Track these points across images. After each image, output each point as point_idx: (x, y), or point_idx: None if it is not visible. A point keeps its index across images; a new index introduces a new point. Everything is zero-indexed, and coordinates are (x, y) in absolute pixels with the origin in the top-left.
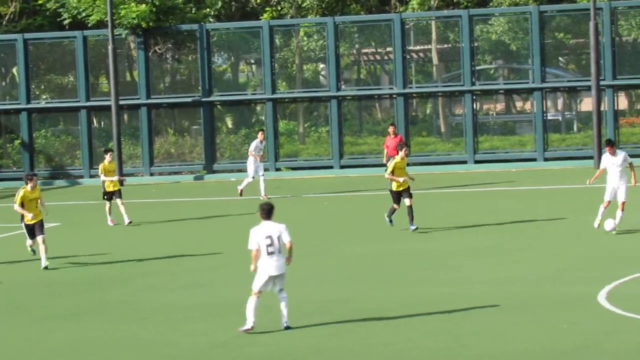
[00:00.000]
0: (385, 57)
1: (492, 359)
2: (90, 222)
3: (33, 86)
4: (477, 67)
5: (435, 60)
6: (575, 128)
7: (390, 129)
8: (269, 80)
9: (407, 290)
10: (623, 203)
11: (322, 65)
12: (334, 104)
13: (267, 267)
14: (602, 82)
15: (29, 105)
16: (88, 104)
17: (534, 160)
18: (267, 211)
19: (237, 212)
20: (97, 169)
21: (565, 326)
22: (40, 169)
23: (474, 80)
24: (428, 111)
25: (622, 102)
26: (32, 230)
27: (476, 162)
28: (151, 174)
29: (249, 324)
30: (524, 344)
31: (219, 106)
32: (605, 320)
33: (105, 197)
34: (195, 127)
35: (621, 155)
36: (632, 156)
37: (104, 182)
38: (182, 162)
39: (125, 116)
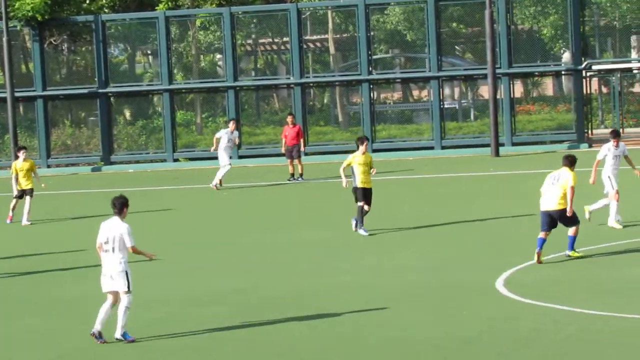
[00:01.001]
0: (283, 47)
1: (394, 345)
2: None
3: None
4: (374, 57)
5: (332, 50)
6: (472, 116)
7: (289, 119)
8: (165, 71)
9: (305, 280)
10: (617, 191)
11: (219, 56)
12: (231, 94)
13: (102, 264)
14: (498, 71)
15: None
16: None
17: (432, 148)
18: (116, 205)
19: (136, 204)
20: None
21: (466, 313)
22: None
23: (371, 69)
24: (325, 101)
25: (518, 90)
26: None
27: (374, 150)
28: (48, 166)
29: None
30: (424, 331)
31: (115, 97)
32: (503, 306)
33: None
34: (92, 119)
35: (622, 147)
36: (528, 144)
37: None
38: (80, 153)
39: (21, 108)
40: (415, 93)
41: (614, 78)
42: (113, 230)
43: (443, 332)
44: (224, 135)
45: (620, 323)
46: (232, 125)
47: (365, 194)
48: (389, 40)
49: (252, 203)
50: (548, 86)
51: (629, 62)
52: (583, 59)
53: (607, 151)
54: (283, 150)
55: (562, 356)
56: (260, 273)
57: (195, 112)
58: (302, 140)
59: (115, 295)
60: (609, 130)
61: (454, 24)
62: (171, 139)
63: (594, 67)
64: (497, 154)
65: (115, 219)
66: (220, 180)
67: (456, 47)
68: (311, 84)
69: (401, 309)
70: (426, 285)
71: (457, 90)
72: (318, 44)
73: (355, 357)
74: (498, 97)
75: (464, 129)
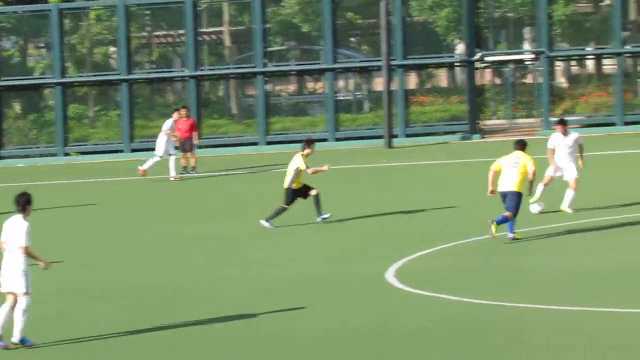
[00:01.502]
0: (177, 40)
1: (285, 337)
2: None
3: None
4: (269, 49)
5: (227, 42)
6: (366, 108)
7: (182, 112)
8: (58, 64)
9: (199, 273)
10: (576, 179)
11: (112, 49)
12: (124, 87)
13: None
14: (392, 62)
15: None
16: None
17: (325, 140)
18: (19, 203)
19: None
20: None
21: (358, 305)
22: None
23: (265, 61)
24: (220, 93)
25: (413, 82)
26: None
27: (268, 143)
28: None
29: None
30: (315, 323)
31: (5, 91)
32: (395, 297)
33: None
34: None
35: (572, 135)
36: (421, 135)
37: None
38: None
39: None
40: (310, 85)
41: (506, 69)
42: (13, 228)
43: (334, 324)
44: (173, 125)
45: (508, 312)
46: (176, 114)
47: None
48: (285, 32)
49: (146, 197)
50: (442, 78)
51: (522, 53)
52: (476, 50)
53: (555, 141)
54: (176, 143)
55: (455, 346)
56: (154, 268)
57: (88, 105)
58: (195, 134)
59: (15, 296)
60: (501, 122)
61: (350, 15)
62: (62, 133)
63: (487, 59)
64: (390, 145)
65: (18, 217)
66: (145, 170)
67: (351, 38)
68: (206, 77)
69: (292, 300)
70: (317, 277)
71: (351, 82)
72: (214, 36)
73: (247, 350)
74: (392, 88)
75: (358, 120)
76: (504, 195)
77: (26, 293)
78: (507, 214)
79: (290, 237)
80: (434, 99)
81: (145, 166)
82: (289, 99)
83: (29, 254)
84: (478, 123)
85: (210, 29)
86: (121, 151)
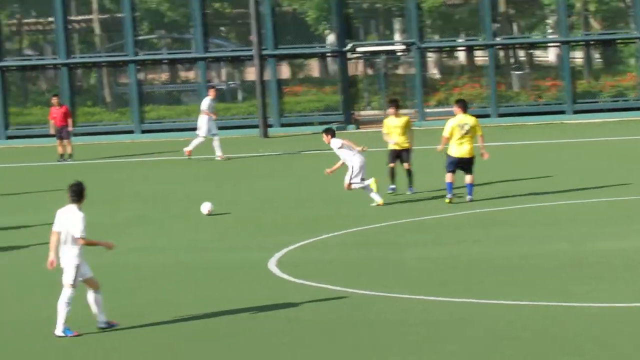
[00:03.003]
0: (48, 27)
1: (163, 326)
2: None
3: None
4: (140, 37)
5: (97, 30)
6: (240, 97)
7: (54, 100)
8: None
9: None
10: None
11: None
12: None
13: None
14: (264, 52)
15: None
16: None
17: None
18: (74, 193)
19: None
20: None
21: (236, 294)
22: None
23: (137, 50)
24: (93, 81)
25: (285, 72)
26: None
27: (143, 131)
28: None
29: None
30: (196, 311)
31: None
32: (276, 286)
33: None
34: None
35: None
36: (297, 125)
37: None
38: None
39: None
40: (183, 74)
41: (378, 60)
42: (68, 219)
43: (212, 314)
44: (211, 103)
45: (391, 303)
46: (212, 92)
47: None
48: (154, 21)
49: (24, 184)
50: (314, 68)
51: (393, 44)
52: (347, 41)
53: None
54: (52, 132)
55: (338, 336)
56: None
57: None
58: (70, 121)
59: (91, 281)
60: (375, 112)
61: (218, 5)
62: None
63: (359, 49)
64: (266, 135)
65: (72, 207)
66: (190, 152)
67: (221, 28)
68: (78, 65)
69: (169, 288)
70: (190, 267)
71: (224, 71)
72: (83, 24)
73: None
74: (265, 78)
75: (233, 109)
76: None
77: (73, 285)
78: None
79: (167, 224)
80: (307, 89)
81: (190, 147)
82: (162, 88)
83: (87, 243)
84: (353, 113)
85: (80, 17)
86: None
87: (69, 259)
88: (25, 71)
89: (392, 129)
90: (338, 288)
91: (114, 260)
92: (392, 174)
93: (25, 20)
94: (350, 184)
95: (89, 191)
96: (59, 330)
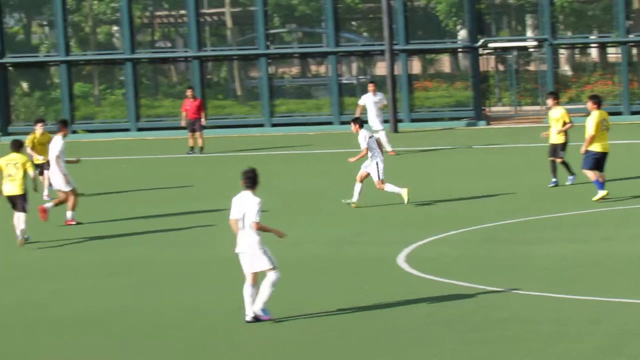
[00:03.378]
0: (180, 20)
1: (294, 323)
2: None
3: None
4: (271, 31)
5: (229, 24)
6: None
7: (188, 92)
8: (62, 43)
9: (194, 252)
10: None
11: (115, 28)
12: (129, 66)
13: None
14: (395, 47)
15: None
16: None
17: (331, 123)
18: (249, 179)
19: None
20: None
21: (367, 288)
22: None
23: (268, 44)
24: (223, 74)
25: (416, 67)
26: None
27: (273, 125)
28: None
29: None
30: (322, 304)
31: (11, 68)
32: (404, 281)
33: None
34: None
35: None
36: (427, 120)
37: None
38: None
39: None
40: (313, 68)
41: (510, 56)
42: (246, 205)
43: (344, 307)
44: (372, 98)
45: (521, 300)
46: (371, 86)
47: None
48: (285, 15)
49: (153, 176)
50: (445, 63)
51: (524, 40)
52: (479, 36)
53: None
54: (184, 124)
55: (466, 333)
56: (159, 245)
57: (93, 84)
58: (202, 114)
59: (255, 275)
60: (507, 109)
61: (350, 0)
62: (69, 111)
63: (490, 45)
64: (395, 130)
65: (247, 193)
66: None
67: (352, 22)
68: (209, 57)
69: (300, 281)
70: (325, 259)
71: (354, 66)
72: (215, 17)
73: (251, 329)
74: (395, 73)
75: None
76: None
77: (273, 268)
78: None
79: (299, 219)
80: (437, 84)
81: (389, 148)
82: (292, 82)
83: (261, 228)
84: (484, 110)
85: (212, 10)
86: (128, 130)
87: (251, 245)
88: (156, 63)
89: (553, 122)
90: (467, 284)
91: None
92: (554, 167)
93: (158, 13)
94: (381, 181)
95: (219, 184)
96: (257, 308)
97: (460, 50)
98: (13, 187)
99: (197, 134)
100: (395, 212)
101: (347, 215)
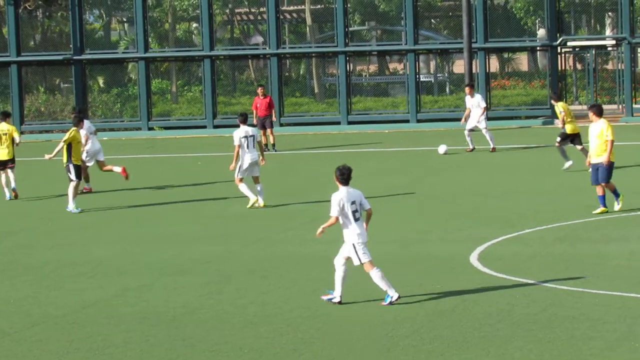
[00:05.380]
0: (259, 17)
1: (367, 316)
2: None
3: None
4: (350, 29)
5: (308, 21)
6: (447, 90)
7: (259, 90)
8: (141, 39)
9: (277, 249)
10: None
11: (194, 25)
12: (207, 63)
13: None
14: (474, 45)
15: None
16: None
17: (407, 121)
18: (348, 176)
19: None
20: None
21: (439, 285)
22: None
23: (347, 41)
24: (301, 72)
25: (493, 65)
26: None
27: (349, 122)
28: (22, 132)
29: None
30: (396, 303)
31: (90, 65)
32: (476, 280)
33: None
34: (66, 86)
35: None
36: (503, 118)
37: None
38: (54, 120)
39: None
40: (391, 66)
41: (588, 55)
42: (357, 197)
43: (415, 305)
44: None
45: (591, 299)
46: (468, 89)
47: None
48: (365, 12)
49: (226, 173)
50: (522, 61)
51: (603, 39)
52: (558, 35)
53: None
54: (255, 122)
55: (535, 331)
56: (236, 241)
57: (171, 80)
58: (273, 111)
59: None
60: (583, 106)
61: None
62: (146, 108)
63: (569, 44)
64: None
65: (349, 188)
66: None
67: (431, 20)
68: (287, 55)
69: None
70: (396, 258)
71: (432, 63)
72: (294, 15)
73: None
74: (473, 71)
75: (440, 102)
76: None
77: (368, 263)
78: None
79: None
80: (515, 83)
81: (492, 144)
82: (370, 79)
83: (369, 213)
84: None
85: (291, 7)
86: (204, 127)
87: (349, 238)
88: (235, 60)
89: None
90: (538, 283)
91: (318, 249)
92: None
93: (237, 10)
94: None
95: (288, 181)
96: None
97: (538, 48)
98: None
99: (268, 130)
100: (469, 209)
101: (421, 213)
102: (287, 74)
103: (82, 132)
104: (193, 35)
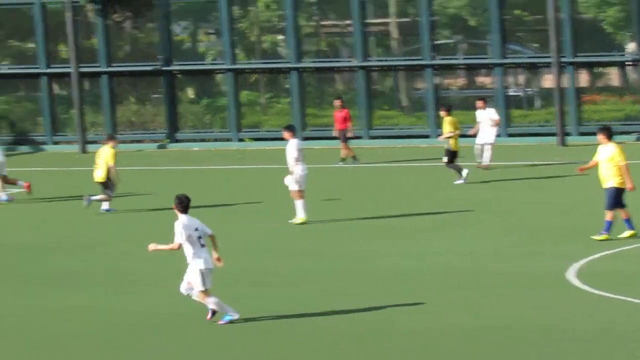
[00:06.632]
0: (345, 30)
1: (466, 333)
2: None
3: None
4: (437, 42)
5: (394, 34)
6: (537, 104)
7: (336, 103)
8: (229, 51)
9: (373, 263)
10: None
11: (281, 37)
12: (294, 75)
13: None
14: (562, 59)
15: None
16: (48, 70)
17: (498, 135)
18: (187, 205)
19: (204, 182)
20: (61, 135)
21: (536, 303)
22: (3, 135)
23: (433, 54)
24: (389, 85)
25: (583, 80)
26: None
27: (439, 136)
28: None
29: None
30: (497, 319)
31: (179, 75)
32: (576, 297)
33: None
34: (155, 96)
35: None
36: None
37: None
38: (145, 130)
39: (86, 84)
40: (479, 80)
41: None
42: (197, 224)
43: (520, 320)
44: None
45: None
46: (481, 103)
47: None
48: (452, 26)
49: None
50: (613, 76)
51: None
52: None
53: None
54: (334, 134)
55: (633, 349)
56: (337, 256)
57: (259, 92)
58: (348, 125)
59: None
60: None
61: (517, 11)
62: (236, 119)
63: None
64: (563, 143)
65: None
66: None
67: (519, 34)
68: (374, 67)
69: (469, 295)
70: (493, 273)
71: (521, 78)
72: (380, 28)
73: (446, 343)
74: (563, 86)
75: (530, 117)
76: None
77: None
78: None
79: (464, 230)
80: (606, 97)
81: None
82: (458, 93)
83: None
84: None
85: (377, 20)
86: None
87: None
88: (321, 73)
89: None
90: (638, 301)
91: (420, 264)
92: None
93: (323, 23)
94: None
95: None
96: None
97: (629, 63)
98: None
99: (343, 144)
100: (562, 224)
101: (511, 228)
102: (374, 86)
103: None
104: (279, 47)
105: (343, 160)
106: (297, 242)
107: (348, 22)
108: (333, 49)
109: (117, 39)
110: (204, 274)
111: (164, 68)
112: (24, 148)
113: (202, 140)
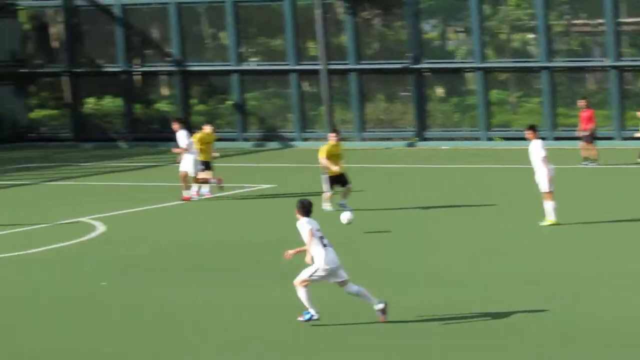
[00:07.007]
0: (597, 29)
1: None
2: (304, 184)
3: (242, 49)
4: None
5: None
6: None
7: (581, 103)
8: (478, 49)
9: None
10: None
11: (531, 35)
12: (544, 74)
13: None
14: None
15: (240, 67)
16: (298, 67)
17: None
18: (309, 210)
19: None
20: (310, 132)
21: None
22: (252, 131)
23: None
24: None
25: None
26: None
27: (623, 139)
28: (362, 139)
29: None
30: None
31: (428, 73)
32: None
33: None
34: (404, 94)
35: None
36: None
37: None
38: (393, 128)
39: (335, 81)
40: None
41: None
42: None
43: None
44: None
45: None
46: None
47: None
48: None
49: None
50: None
51: None
52: None
53: None
54: (577, 134)
55: None
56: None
57: (509, 91)
58: (590, 125)
59: None
60: None
61: None
62: (485, 118)
63: None
64: None
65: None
66: None
67: None
68: (626, 67)
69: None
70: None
71: None
72: (634, 27)
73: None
74: None
75: None
76: None
77: None
78: None
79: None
80: None
81: None
82: None
83: None
84: None
85: (631, 19)
86: (544, 139)
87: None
88: (572, 72)
89: None
90: None
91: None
92: None
93: (575, 21)
94: None
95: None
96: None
97: None
98: None
99: (587, 145)
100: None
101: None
102: (627, 87)
103: None
104: (529, 46)
105: (591, 160)
106: (544, 244)
107: (600, 20)
108: (584, 48)
109: (366, 37)
110: (326, 271)
111: (412, 66)
112: (273, 144)
113: (451, 139)
